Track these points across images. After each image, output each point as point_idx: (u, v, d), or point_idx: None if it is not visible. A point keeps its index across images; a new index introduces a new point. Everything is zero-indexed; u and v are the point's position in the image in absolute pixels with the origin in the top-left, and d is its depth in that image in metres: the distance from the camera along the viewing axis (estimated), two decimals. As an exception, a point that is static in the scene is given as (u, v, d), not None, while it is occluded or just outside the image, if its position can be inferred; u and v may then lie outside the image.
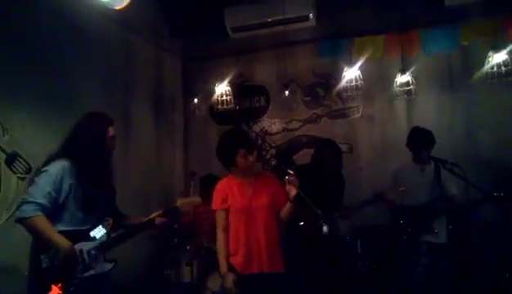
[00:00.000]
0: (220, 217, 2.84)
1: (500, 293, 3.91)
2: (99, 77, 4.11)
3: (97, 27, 3.97)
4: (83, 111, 2.65)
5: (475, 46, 4.47)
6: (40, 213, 2.29)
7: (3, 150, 3.11)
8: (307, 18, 4.49)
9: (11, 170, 3.17)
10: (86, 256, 2.40)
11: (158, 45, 5.23)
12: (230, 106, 4.70)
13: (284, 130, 5.41)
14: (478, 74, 4.18)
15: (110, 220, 2.59)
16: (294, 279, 3.28)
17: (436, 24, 4.67)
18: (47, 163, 2.45)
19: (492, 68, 3.94)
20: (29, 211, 2.28)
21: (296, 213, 2.84)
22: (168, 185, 5.35)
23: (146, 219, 2.72)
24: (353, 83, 4.27)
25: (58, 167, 2.39)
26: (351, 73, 4.28)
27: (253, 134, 5.23)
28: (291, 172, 2.70)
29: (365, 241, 4.13)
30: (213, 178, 3.69)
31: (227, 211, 2.82)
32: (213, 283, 3.69)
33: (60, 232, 2.35)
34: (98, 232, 2.48)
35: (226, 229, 2.82)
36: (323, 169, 3.84)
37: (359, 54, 4.58)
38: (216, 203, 2.85)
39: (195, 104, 5.09)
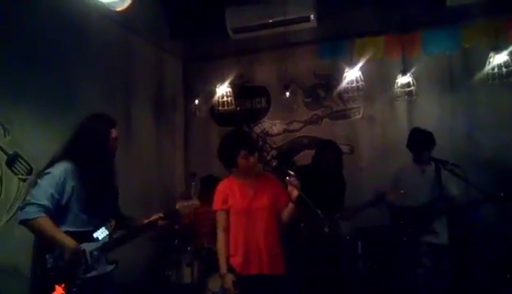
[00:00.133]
0: (221, 218, 2.85)
1: (501, 294, 3.91)
2: (100, 78, 4.10)
3: (98, 28, 3.97)
4: (83, 112, 2.65)
5: (476, 47, 4.46)
6: (43, 214, 2.30)
7: (4, 151, 3.10)
8: (308, 19, 4.48)
9: (12, 171, 3.16)
10: (88, 257, 2.41)
11: (158, 46, 5.22)
12: (231, 107, 4.69)
13: (285, 131, 5.41)
14: (479, 75, 4.17)
15: (113, 222, 2.59)
16: (294, 281, 3.28)
17: (437, 24, 4.67)
18: (49, 165, 2.45)
19: (493, 69, 3.93)
20: (32, 212, 2.29)
21: (298, 214, 2.84)
22: (169, 186, 5.34)
23: (147, 221, 2.72)
24: (354, 84, 4.26)
25: (61, 169, 2.40)
26: (352, 74, 4.27)
27: (254, 135, 5.22)
28: (292, 173, 2.70)
29: (366, 242, 4.12)
30: (214, 179, 3.69)
31: (228, 211, 2.83)
32: (214, 284, 3.69)
33: (64, 233, 2.35)
34: (101, 233, 2.49)
35: (227, 230, 2.83)
36: (324, 170, 3.84)
37: (360, 55, 4.57)
38: (217, 204, 2.86)
39: (195, 105, 5.07)
